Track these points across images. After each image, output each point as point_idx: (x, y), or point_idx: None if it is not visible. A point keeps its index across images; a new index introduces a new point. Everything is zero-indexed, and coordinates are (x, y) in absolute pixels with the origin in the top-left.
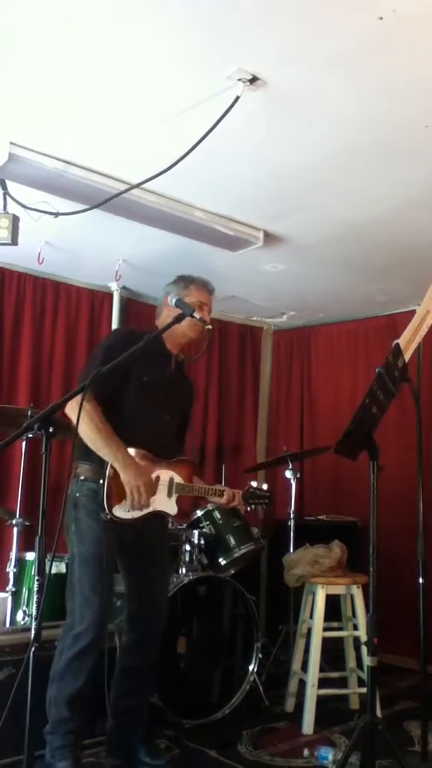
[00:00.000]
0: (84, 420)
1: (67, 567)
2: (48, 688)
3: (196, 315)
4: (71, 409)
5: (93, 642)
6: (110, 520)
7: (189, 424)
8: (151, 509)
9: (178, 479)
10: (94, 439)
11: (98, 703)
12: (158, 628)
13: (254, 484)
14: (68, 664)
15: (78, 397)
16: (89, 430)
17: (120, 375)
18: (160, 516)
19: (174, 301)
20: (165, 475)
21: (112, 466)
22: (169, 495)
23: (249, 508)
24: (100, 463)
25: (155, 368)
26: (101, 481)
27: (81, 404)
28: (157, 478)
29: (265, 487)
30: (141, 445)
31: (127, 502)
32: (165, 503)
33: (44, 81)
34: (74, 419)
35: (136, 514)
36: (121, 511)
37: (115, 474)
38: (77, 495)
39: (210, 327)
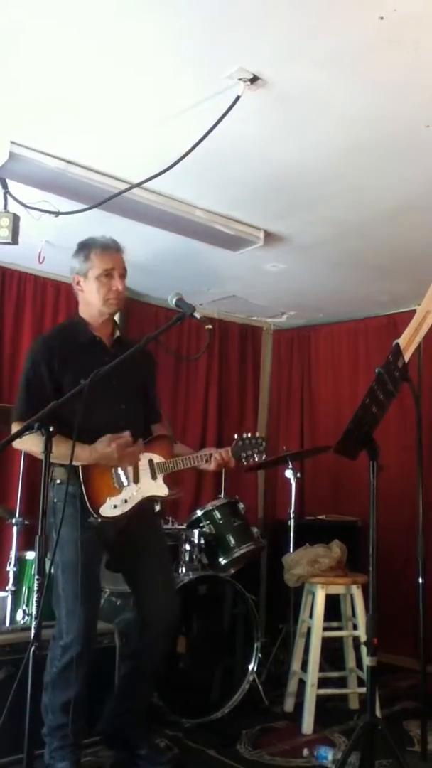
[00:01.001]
0: (33, 450)
1: None
2: (43, 695)
3: (196, 315)
4: (23, 445)
5: (81, 652)
6: (101, 522)
7: (156, 398)
8: (139, 498)
9: (157, 459)
10: (55, 456)
11: (97, 701)
12: (165, 630)
13: (244, 435)
14: (59, 674)
15: (20, 429)
16: (38, 453)
17: (51, 393)
18: (147, 510)
19: (174, 301)
20: (143, 459)
21: (83, 469)
22: (154, 477)
23: (244, 462)
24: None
25: (89, 363)
26: (79, 489)
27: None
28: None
29: (257, 434)
30: None
31: (116, 496)
32: (152, 486)
33: (45, 80)
34: (32, 450)
35: (126, 507)
36: (109, 509)
37: (90, 474)
38: (54, 501)
39: (210, 327)
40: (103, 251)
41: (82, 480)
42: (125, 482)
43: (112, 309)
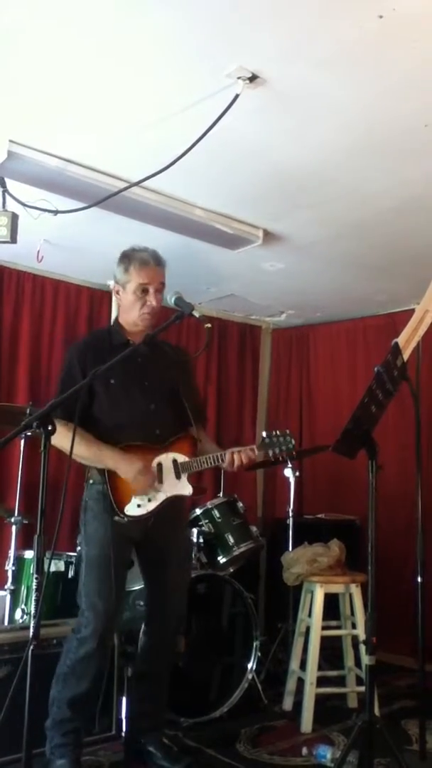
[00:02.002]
0: (62, 444)
1: (66, 565)
2: (52, 687)
3: (195, 314)
4: (56, 441)
5: (97, 647)
6: (127, 521)
7: (196, 398)
8: (163, 498)
9: (181, 458)
10: (81, 458)
11: (100, 701)
12: (170, 635)
13: (273, 432)
14: (72, 666)
15: (61, 429)
16: (75, 452)
17: (84, 395)
18: (174, 509)
19: (173, 300)
20: (166, 459)
21: (109, 470)
22: (178, 477)
23: (272, 459)
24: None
25: (123, 365)
26: (106, 488)
27: (73, 437)
28: (159, 465)
29: (287, 431)
30: (132, 441)
31: (135, 496)
32: (176, 486)
33: (44, 79)
34: (62, 447)
35: (150, 507)
36: (134, 508)
37: (116, 474)
38: (86, 499)
39: (209, 326)
40: (141, 266)
41: (108, 479)
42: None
43: (146, 324)
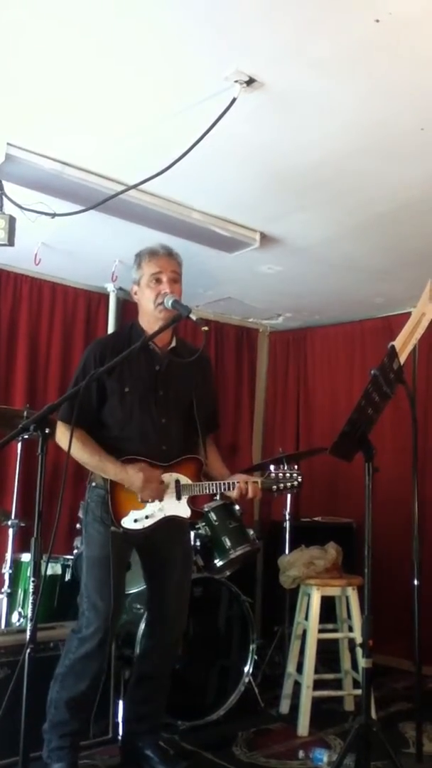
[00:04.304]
0: (65, 447)
1: (63, 568)
2: (50, 688)
3: (192, 317)
4: (58, 440)
5: (97, 647)
6: (123, 532)
7: (212, 405)
8: (161, 516)
9: (184, 480)
10: (84, 464)
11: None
12: (172, 637)
13: (280, 467)
14: (72, 666)
15: (62, 429)
16: (78, 457)
17: (95, 396)
18: (173, 523)
19: (170, 303)
20: (169, 478)
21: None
22: (178, 498)
23: (275, 494)
24: None
25: (136, 370)
26: (107, 495)
27: (70, 441)
28: (159, 476)
29: (295, 467)
30: (137, 455)
31: (135, 510)
32: (175, 507)
33: (41, 82)
34: (64, 447)
35: (146, 523)
36: (130, 522)
37: (117, 485)
38: (88, 501)
39: (206, 329)
40: (151, 256)
41: (109, 489)
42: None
43: (165, 316)
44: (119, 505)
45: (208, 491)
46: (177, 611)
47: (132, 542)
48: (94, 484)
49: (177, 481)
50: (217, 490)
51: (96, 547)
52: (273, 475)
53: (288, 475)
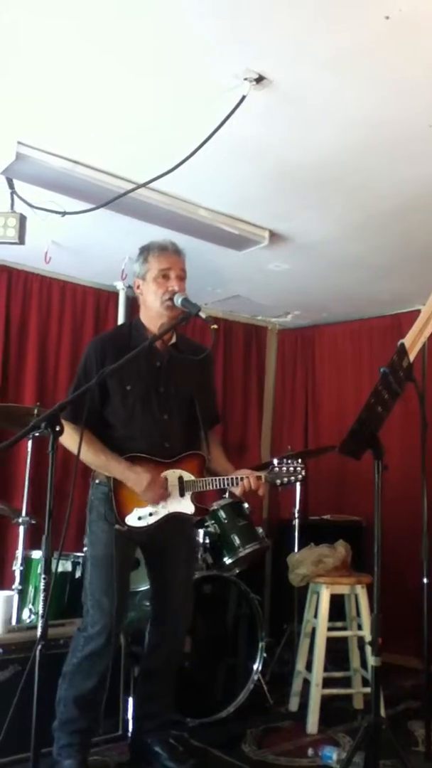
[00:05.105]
0: (72, 448)
1: (73, 566)
2: (59, 686)
3: (202, 315)
4: (63, 440)
5: (103, 645)
6: (127, 530)
7: (212, 401)
8: (164, 513)
9: (188, 476)
10: (89, 463)
11: (106, 701)
12: (175, 634)
13: (283, 461)
14: (79, 664)
15: (68, 429)
16: (82, 457)
17: (98, 396)
18: (177, 518)
19: (180, 301)
20: (172, 474)
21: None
22: (182, 494)
23: (279, 488)
24: None
25: (139, 369)
26: (110, 492)
27: (80, 441)
28: (165, 479)
29: (297, 461)
30: (140, 453)
31: (138, 508)
32: (179, 503)
33: (52, 81)
34: (69, 448)
35: (150, 520)
36: (134, 519)
37: (121, 482)
38: (92, 498)
39: (215, 327)
40: (160, 252)
41: (112, 486)
42: None
43: (169, 311)
44: (123, 503)
45: (211, 487)
46: (182, 608)
47: (136, 540)
48: (97, 481)
49: (180, 478)
50: (220, 486)
51: (100, 545)
52: (276, 469)
53: (291, 469)
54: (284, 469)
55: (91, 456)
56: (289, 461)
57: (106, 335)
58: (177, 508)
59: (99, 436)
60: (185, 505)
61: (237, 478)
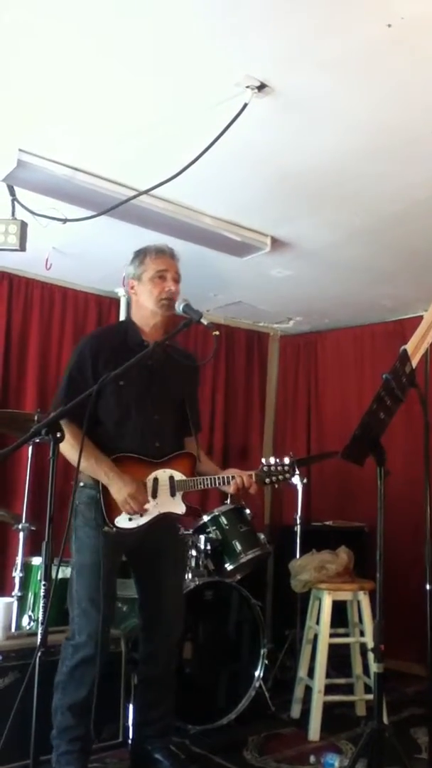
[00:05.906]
0: (65, 449)
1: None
2: (53, 696)
3: (204, 321)
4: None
5: (92, 653)
6: (116, 532)
7: (196, 409)
8: (156, 513)
9: (178, 476)
10: (74, 462)
11: (105, 708)
12: (170, 639)
13: (272, 460)
14: (70, 674)
15: (67, 430)
16: (70, 457)
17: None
18: (167, 520)
19: (182, 308)
20: (163, 474)
21: None
22: (173, 494)
23: (269, 486)
24: None
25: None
26: (98, 495)
27: (82, 442)
28: (155, 479)
29: (287, 460)
30: (130, 453)
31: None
32: (170, 503)
33: (53, 88)
34: (67, 455)
35: (141, 521)
36: (124, 521)
37: None
38: (77, 503)
39: (217, 333)
40: (157, 254)
41: (101, 489)
42: None
43: (165, 310)
44: (113, 504)
45: (203, 486)
46: (175, 612)
47: (124, 543)
48: (82, 484)
49: (171, 477)
50: (212, 485)
51: (87, 552)
52: (266, 468)
53: (281, 467)
54: (273, 468)
55: (82, 458)
56: (278, 461)
57: (100, 332)
58: (168, 508)
59: (88, 432)
60: (176, 505)
61: (228, 477)
